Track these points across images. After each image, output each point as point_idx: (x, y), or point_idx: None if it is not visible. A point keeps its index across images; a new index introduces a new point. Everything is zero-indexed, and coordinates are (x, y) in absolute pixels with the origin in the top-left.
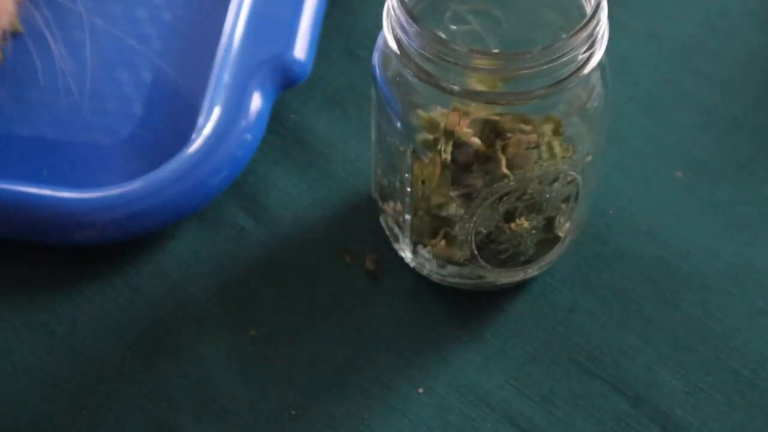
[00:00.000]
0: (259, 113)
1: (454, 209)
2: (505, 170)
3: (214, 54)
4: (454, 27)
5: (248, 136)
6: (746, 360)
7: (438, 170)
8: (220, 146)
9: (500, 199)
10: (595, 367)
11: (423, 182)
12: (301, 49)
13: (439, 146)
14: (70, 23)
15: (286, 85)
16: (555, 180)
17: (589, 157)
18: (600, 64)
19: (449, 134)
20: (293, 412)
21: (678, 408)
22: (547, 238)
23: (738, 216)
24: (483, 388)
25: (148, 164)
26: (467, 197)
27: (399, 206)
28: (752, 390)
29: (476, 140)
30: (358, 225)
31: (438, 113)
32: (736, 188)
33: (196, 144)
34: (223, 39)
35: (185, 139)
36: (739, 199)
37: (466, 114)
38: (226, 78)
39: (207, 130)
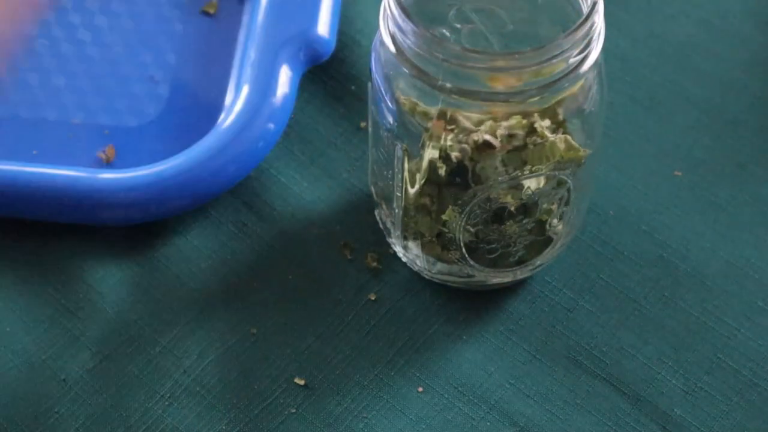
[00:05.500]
0: (288, 87)
1: (443, 209)
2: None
3: (238, 34)
4: (458, 26)
5: (279, 112)
6: (746, 360)
7: (424, 169)
8: (253, 122)
9: (488, 199)
10: (595, 367)
11: (412, 179)
12: (324, 26)
13: (426, 149)
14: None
15: (311, 62)
16: (546, 182)
17: (581, 161)
18: (596, 65)
19: (436, 139)
20: (293, 410)
21: (677, 407)
22: (538, 240)
23: (738, 216)
24: (483, 386)
25: (176, 145)
26: (455, 197)
27: (390, 200)
28: (752, 390)
29: (458, 154)
30: (358, 222)
31: (425, 109)
32: (735, 188)
33: (230, 120)
34: (246, 18)
35: (213, 119)
36: (739, 199)
37: (452, 120)
38: (253, 56)
39: (238, 106)
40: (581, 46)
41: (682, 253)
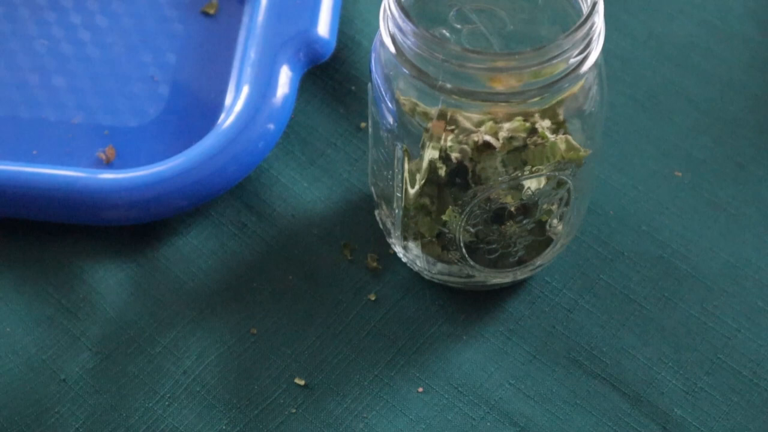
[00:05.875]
0: (288, 87)
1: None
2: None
3: (238, 34)
4: (458, 26)
5: (279, 112)
6: (746, 360)
7: (424, 169)
8: (253, 122)
9: (488, 199)
10: (595, 367)
11: (412, 179)
12: (324, 26)
13: (426, 149)
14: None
15: (311, 62)
16: (546, 182)
17: (582, 161)
18: (596, 66)
19: (436, 140)
20: (293, 410)
21: (677, 407)
22: (539, 240)
23: (738, 216)
24: (483, 387)
25: (176, 145)
26: (455, 197)
27: (390, 200)
28: (752, 390)
29: (458, 155)
30: (358, 222)
31: (425, 109)
32: (736, 188)
33: (230, 120)
34: (246, 18)
35: (213, 119)
36: (739, 199)
37: (452, 120)
38: (253, 56)
39: (238, 107)
40: (581, 47)
41: (682, 253)
